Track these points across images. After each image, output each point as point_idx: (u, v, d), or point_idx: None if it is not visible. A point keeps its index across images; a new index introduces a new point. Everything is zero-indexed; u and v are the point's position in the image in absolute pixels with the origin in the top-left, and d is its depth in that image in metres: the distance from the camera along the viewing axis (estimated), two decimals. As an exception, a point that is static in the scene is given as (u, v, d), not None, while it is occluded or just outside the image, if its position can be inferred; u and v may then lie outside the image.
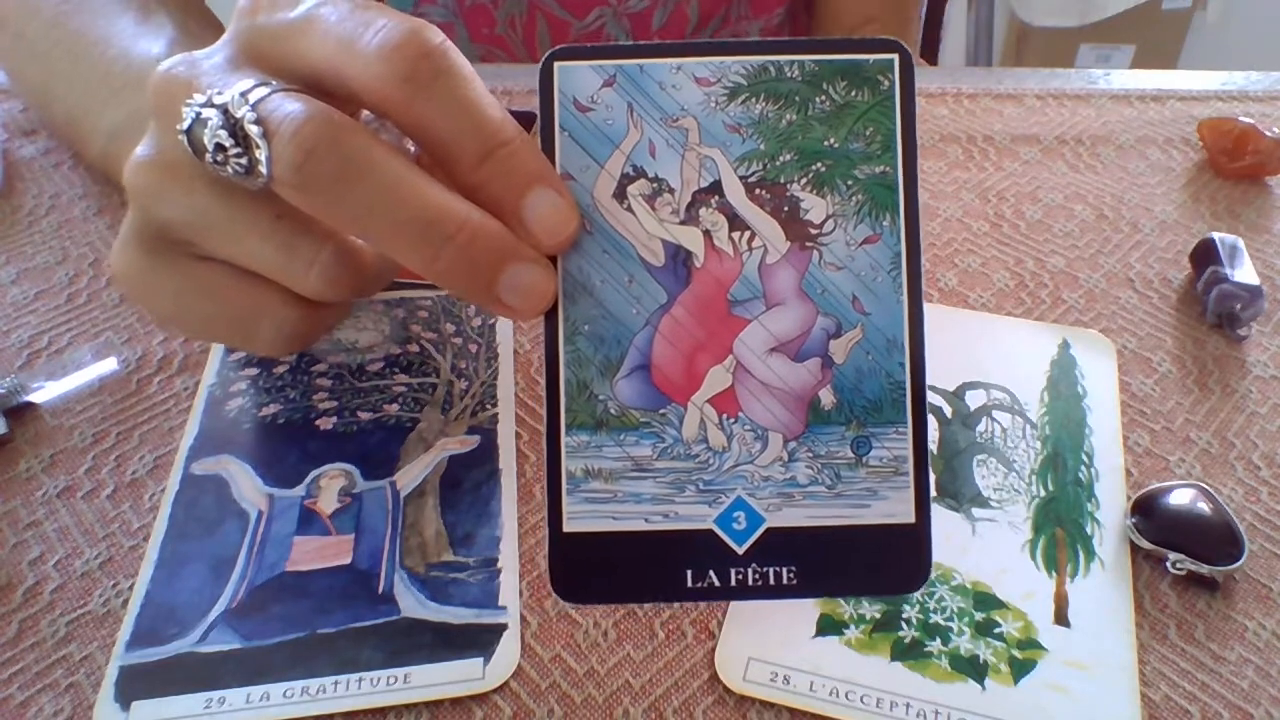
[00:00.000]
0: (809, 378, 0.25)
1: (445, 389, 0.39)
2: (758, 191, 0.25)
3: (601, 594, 0.26)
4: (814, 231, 0.25)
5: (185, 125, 0.27)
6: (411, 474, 0.36)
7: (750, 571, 0.25)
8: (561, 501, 0.25)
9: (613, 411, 0.25)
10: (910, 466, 0.25)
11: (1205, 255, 0.44)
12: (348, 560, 0.33)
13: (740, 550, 0.25)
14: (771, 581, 0.25)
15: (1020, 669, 0.31)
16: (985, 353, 0.41)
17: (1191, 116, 0.56)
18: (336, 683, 0.30)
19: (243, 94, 0.26)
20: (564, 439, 0.25)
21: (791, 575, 0.25)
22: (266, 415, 0.38)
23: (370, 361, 0.40)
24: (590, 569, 0.25)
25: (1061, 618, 0.32)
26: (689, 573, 0.25)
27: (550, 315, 0.25)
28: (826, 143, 0.25)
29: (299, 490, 0.35)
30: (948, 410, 0.39)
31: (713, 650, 0.31)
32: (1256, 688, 0.31)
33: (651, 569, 0.25)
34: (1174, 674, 0.31)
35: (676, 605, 0.32)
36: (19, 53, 0.51)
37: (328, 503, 0.35)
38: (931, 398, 0.39)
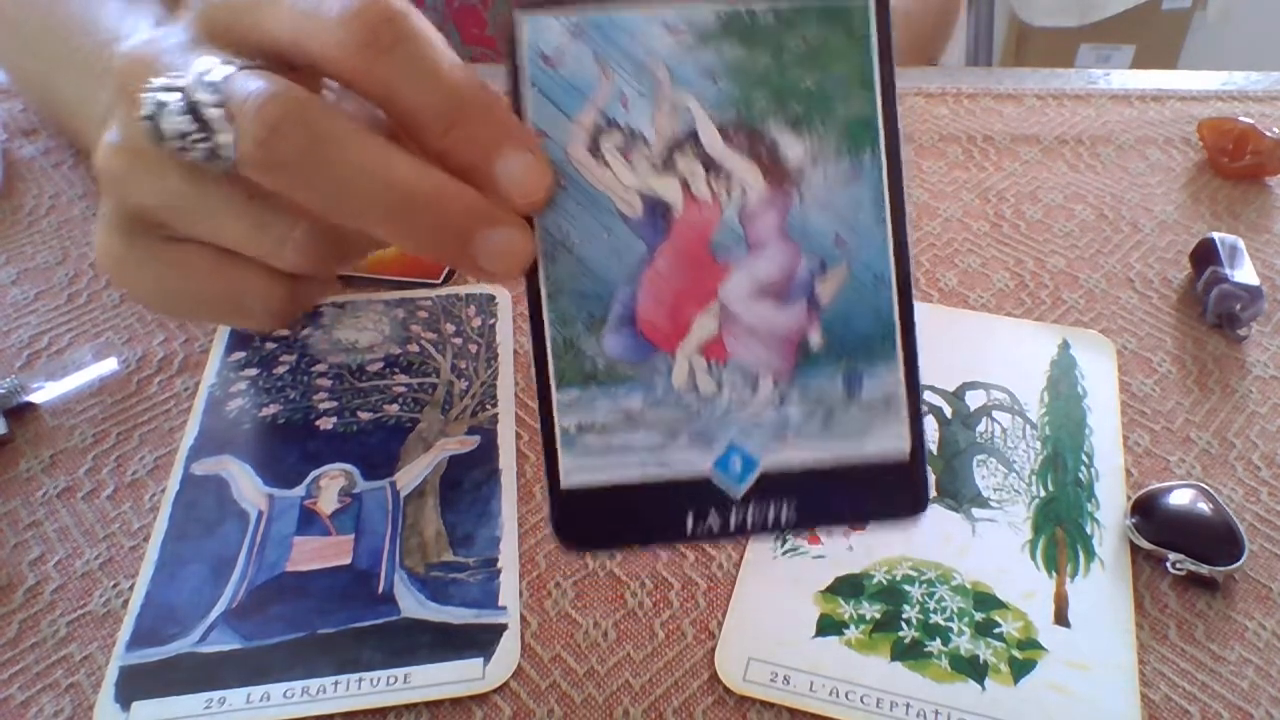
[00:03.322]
0: (796, 320, 0.25)
1: (445, 389, 0.39)
2: (734, 136, 0.25)
3: (604, 541, 0.26)
4: (793, 173, 0.25)
5: (147, 111, 0.26)
6: (411, 474, 0.36)
7: (750, 512, 0.25)
8: (558, 458, 0.25)
9: (601, 366, 0.25)
10: (903, 400, 0.25)
11: (1205, 255, 0.44)
12: (348, 560, 0.33)
13: (739, 494, 0.25)
14: (771, 520, 0.25)
15: (1020, 669, 0.30)
16: (985, 353, 0.41)
17: (1191, 116, 0.56)
18: (336, 683, 0.30)
19: (201, 75, 0.25)
20: (555, 396, 0.25)
21: (791, 512, 0.25)
22: (266, 415, 0.38)
23: (370, 361, 0.40)
24: (591, 520, 0.25)
25: (1061, 618, 0.32)
26: (689, 516, 0.25)
27: (531, 275, 0.25)
28: (803, 84, 0.25)
29: (299, 490, 0.35)
30: (948, 410, 0.39)
31: (713, 650, 0.31)
32: (1256, 688, 0.31)
33: (653, 517, 0.25)
34: (1174, 674, 0.31)
35: (676, 605, 0.32)
36: (14, 45, 0.51)
37: (328, 503, 0.35)
38: (931, 398, 0.39)
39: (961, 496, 0.35)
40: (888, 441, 0.25)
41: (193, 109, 0.25)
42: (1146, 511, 0.34)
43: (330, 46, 0.25)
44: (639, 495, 0.25)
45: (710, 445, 0.25)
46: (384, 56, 0.25)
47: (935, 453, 0.37)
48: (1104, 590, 0.33)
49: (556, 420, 0.25)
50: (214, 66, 0.25)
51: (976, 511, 0.35)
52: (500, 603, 0.32)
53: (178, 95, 0.25)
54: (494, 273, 0.25)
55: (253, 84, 0.25)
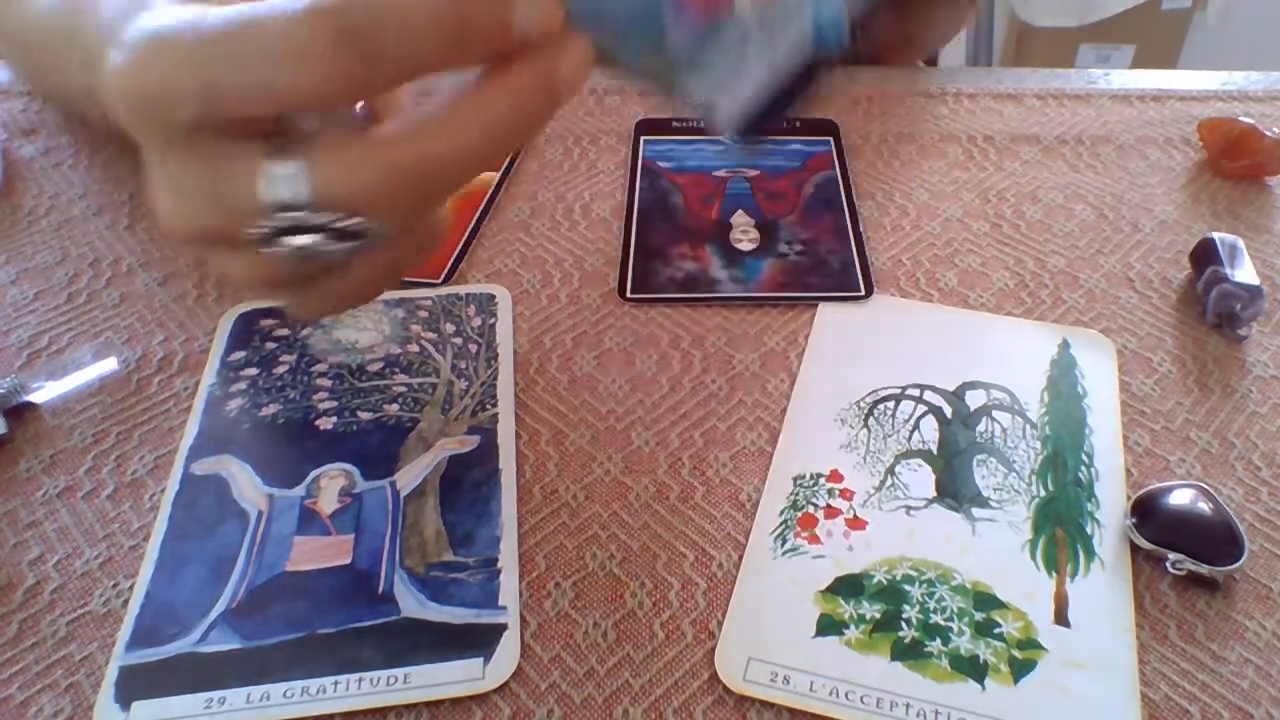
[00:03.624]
0: None
1: (445, 389, 0.39)
2: None
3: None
4: None
5: (271, 253, 0.26)
6: (411, 474, 0.36)
7: None
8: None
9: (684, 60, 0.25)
10: None
11: (1205, 255, 0.44)
12: (348, 560, 0.33)
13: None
14: None
15: (1020, 669, 0.30)
16: (985, 353, 0.41)
17: (1191, 116, 0.56)
18: (336, 683, 0.30)
19: (306, 207, 0.25)
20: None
21: None
22: (266, 415, 0.38)
23: (370, 361, 0.40)
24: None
25: (1061, 618, 0.32)
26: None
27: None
28: None
29: (299, 490, 0.35)
30: (948, 410, 0.39)
31: (712, 650, 0.31)
32: (1256, 688, 0.31)
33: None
34: (1174, 674, 0.31)
35: (676, 605, 0.32)
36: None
37: (328, 503, 0.35)
38: (931, 397, 0.39)
39: (961, 496, 0.35)
40: None
41: (301, 224, 0.25)
42: (1146, 511, 0.34)
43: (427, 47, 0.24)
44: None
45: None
46: (468, 52, 0.24)
47: (935, 452, 0.37)
48: (1104, 590, 0.33)
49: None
50: (295, 183, 0.24)
51: (976, 511, 0.35)
52: (500, 603, 0.32)
53: (293, 233, 0.25)
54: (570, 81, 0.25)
55: (350, 188, 0.24)
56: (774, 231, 0.47)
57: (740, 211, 0.48)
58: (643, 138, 0.54)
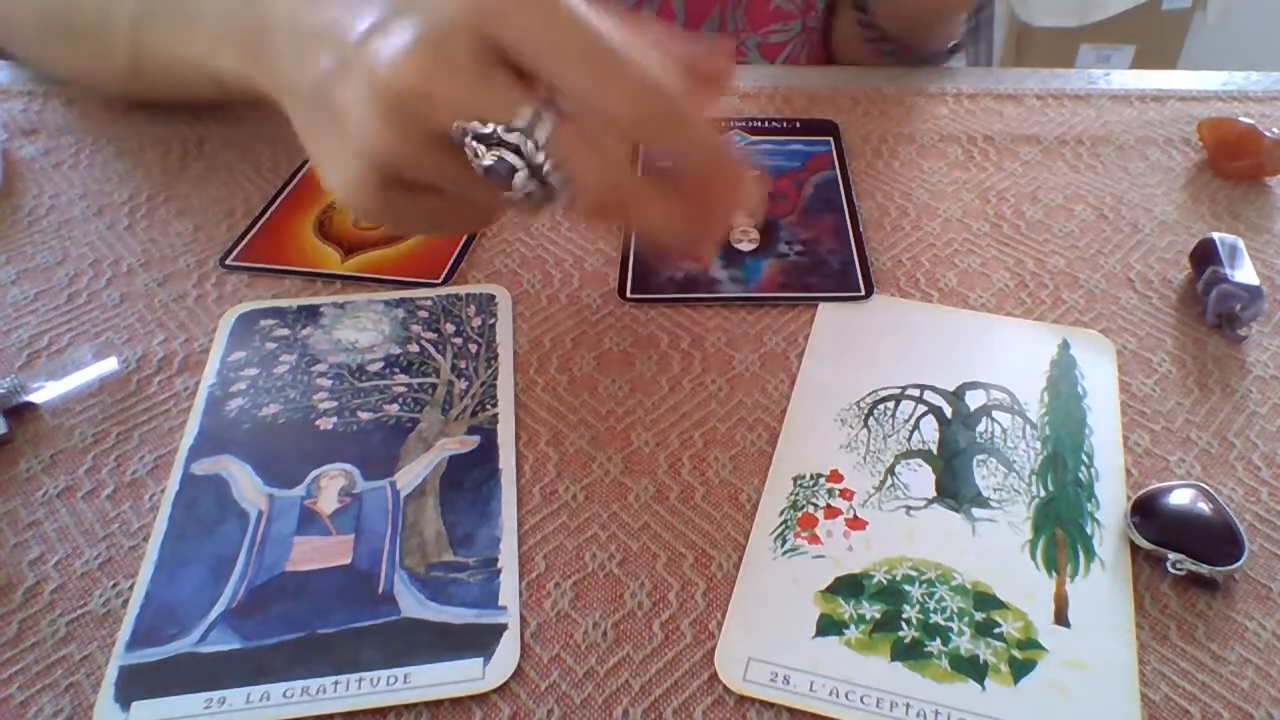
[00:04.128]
0: None
1: (445, 389, 0.39)
2: None
3: None
4: None
5: (482, 166, 0.32)
6: (411, 474, 0.36)
7: None
8: None
9: None
10: None
11: (1205, 255, 0.44)
12: (348, 560, 0.33)
13: None
14: None
15: (1020, 669, 0.30)
16: (985, 353, 0.41)
17: (1191, 116, 0.56)
18: (336, 683, 0.30)
19: (532, 139, 0.32)
20: None
21: None
22: (266, 415, 0.38)
23: (370, 361, 0.40)
24: None
25: (1061, 618, 0.32)
26: None
27: None
28: None
29: (299, 490, 0.35)
30: (948, 410, 0.39)
31: (712, 650, 0.31)
32: (1256, 688, 0.31)
33: None
34: (1174, 674, 0.31)
35: (675, 605, 0.32)
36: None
37: (328, 503, 0.35)
38: (931, 398, 0.39)
39: (961, 496, 0.35)
40: None
41: (535, 174, 0.33)
42: (1146, 511, 0.34)
43: (626, 120, 0.32)
44: None
45: None
46: (665, 129, 0.33)
47: (935, 452, 0.37)
48: (1104, 590, 0.33)
49: None
50: (532, 119, 0.32)
51: (976, 511, 0.35)
52: (500, 603, 0.32)
53: (515, 160, 0.32)
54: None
55: (587, 159, 0.32)
56: (774, 232, 0.47)
57: (739, 212, 0.48)
58: None
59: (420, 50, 0.32)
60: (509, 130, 0.32)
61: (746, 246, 0.46)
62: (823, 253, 0.46)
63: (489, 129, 0.32)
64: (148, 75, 0.50)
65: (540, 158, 0.32)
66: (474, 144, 0.32)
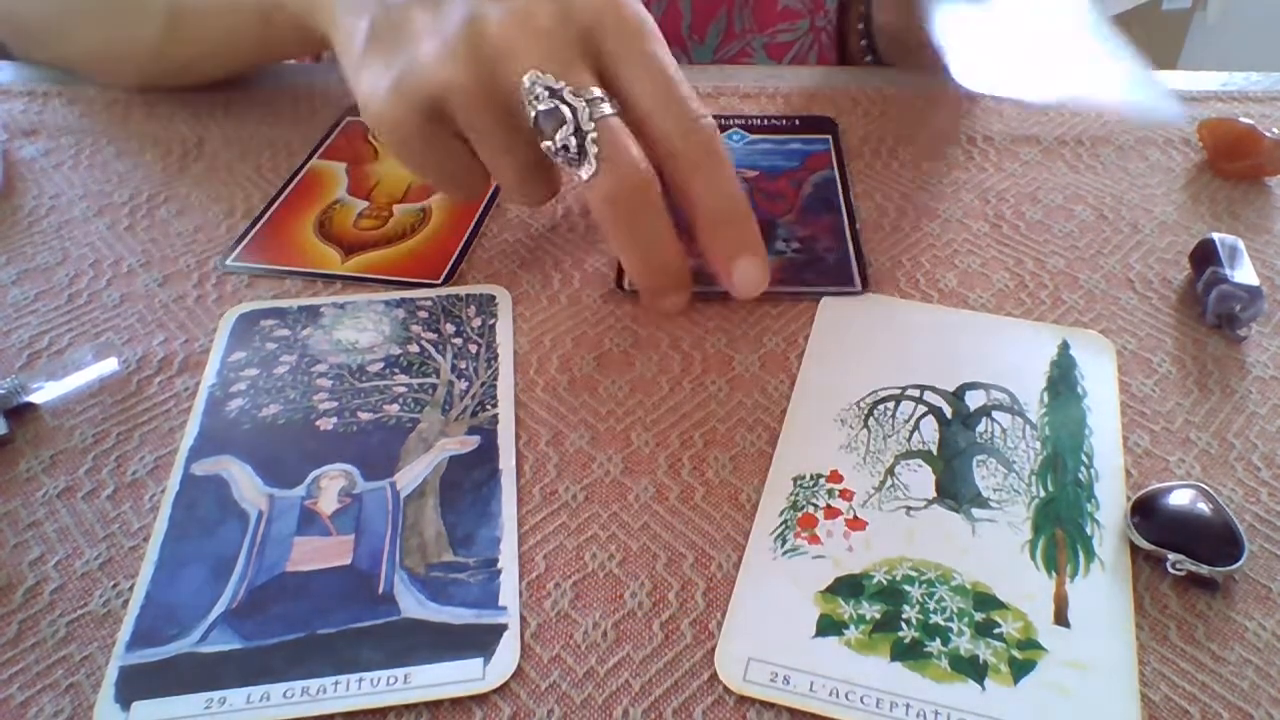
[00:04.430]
0: None
1: (445, 389, 0.39)
2: None
3: None
4: None
5: (537, 110, 0.35)
6: (411, 474, 0.36)
7: None
8: None
9: None
10: None
11: (1205, 255, 0.44)
12: (348, 561, 0.33)
13: None
14: None
15: (1020, 669, 0.31)
16: (985, 353, 0.41)
17: (1191, 117, 0.56)
18: (336, 683, 0.30)
19: (589, 109, 0.35)
20: None
21: None
22: (266, 415, 0.38)
23: (370, 362, 0.41)
24: None
25: (1061, 618, 0.32)
26: None
27: None
28: None
29: (299, 490, 0.35)
30: (947, 411, 0.39)
31: (712, 650, 0.31)
32: (1256, 688, 0.31)
33: None
34: (1174, 674, 0.31)
35: (675, 605, 0.32)
36: None
37: (328, 503, 0.35)
38: (931, 398, 0.39)
39: (961, 497, 0.35)
40: None
41: (578, 135, 0.35)
42: (1146, 512, 0.34)
43: (675, 137, 0.36)
44: None
45: None
46: (699, 170, 0.37)
47: (935, 453, 0.37)
48: (1104, 591, 0.33)
49: None
50: (599, 100, 0.36)
51: (976, 512, 0.35)
52: (500, 603, 0.32)
53: (569, 111, 0.35)
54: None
55: (626, 148, 0.36)
56: (772, 230, 0.47)
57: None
58: None
59: (535, 20, 0.36)
60: (575, 94, 0.35)
61: None
62: (819, 250, 0.46)
63: (559, 85, 0.36)
64: (186, 29, 0.51)
65: (590, 125, 0.35)
66: (539, 90, 0.35)
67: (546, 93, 0.35)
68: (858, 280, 0.44)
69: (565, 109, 0.35)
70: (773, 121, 0.55)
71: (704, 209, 0.38)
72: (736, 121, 0.55)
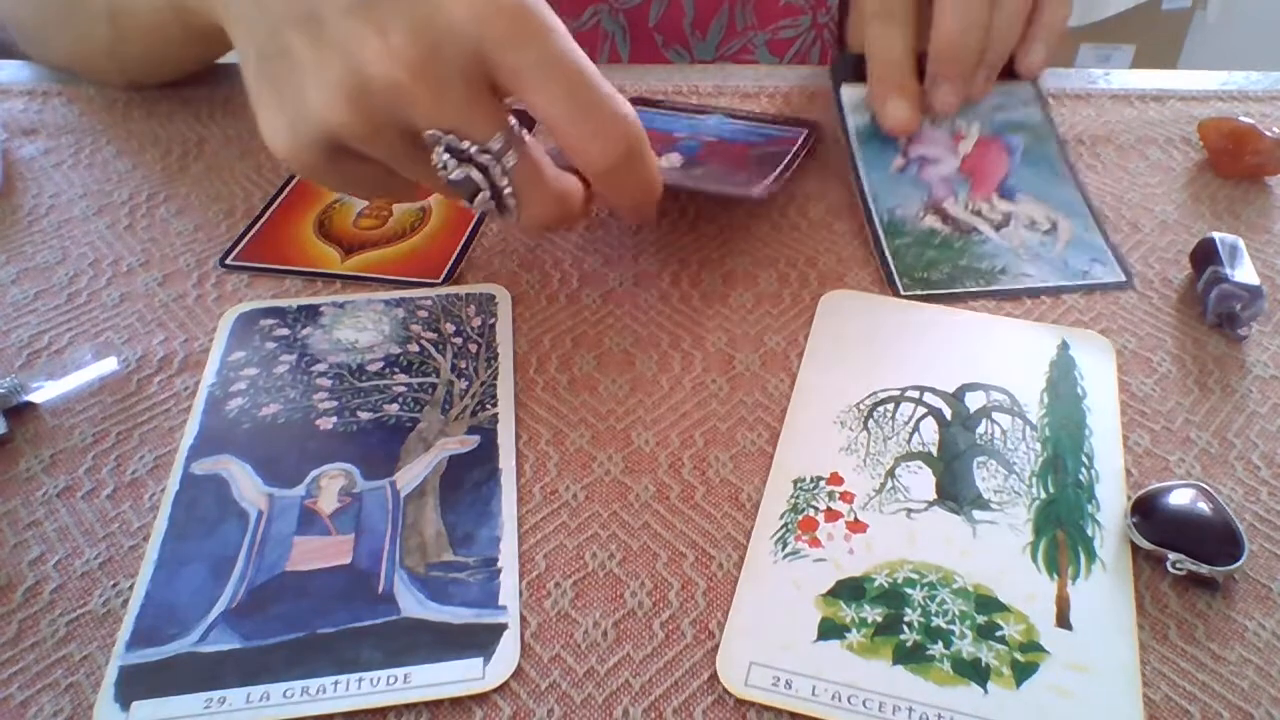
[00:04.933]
0: None
1: (445, 389, 0.39)
2: None
3: None
4: None
5: (454, 177, 0.35)
6: (411, 474, 0.36)
7: None
8: None
9: None
10: None
11: (1205, 255, 0.44)
12: (348, 560, 0.33)
13: None
14: None
15: (1022, 672, 0.30)
16: (984, 354, 0.41)
17: (1191, 116, 0.56)
18: (336, 683, 0.30)
19: (499, 163, 0.35)
20: None
21: None
22: (266, 415, 0.38)
23: (370, 361, 0.40)
24: None
25: (1063, 620, 0.32)
26: None
27: None
28: None
29: (299, 490, 0.35)
30: (947, 412, 0.39)
31: (712, 650, 0.31)
32: (1256, 688, 0.31)
33: None
34: (1174, 674, 0.31)
35: (676, 605, 0.32)
36: None
37: (328, 503, 0.35)
38: (931, 399, 0.39)
39: (962, 499, 0.35)
40: None
41: (495, 192, 0.35)
42: (1146, 511, 0.34)
43: (585, 157, 0.36)
44: None
45: None
46: (618, 172, 0.36)
47: (935, 455, 0.37)
48: (1105, 592, 0.33)
49: None
50: (503, 147, 0.35)
51: (977, 514, 0.35)
52: (500, 602, 0.32)
53: (480, 179, 0.35)
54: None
55: (542, 189, 0.36)
56: (694, 166, 0.48)
57: (675, 153, 0.49)
58: None
59: (414, 54, 0.33)
60: (481, 151, 0.34)
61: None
62: (735, 176, 0.47)
63: (464, 146, 0.34)
64: (124, 28, 0.51)
65: (504, 182, 0.35)
66: (444, 154, 0.34)
67: (454, 160, 0.34)
68: (761, 191, 0.44)
69: (475, 173, 0.35)
70: (754, 117, 0.55)
71: (618, 201, 0.40)
72: (723, 110, 0.55)
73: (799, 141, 0.50)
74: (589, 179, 0.38)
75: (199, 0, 0.41)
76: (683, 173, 0.46)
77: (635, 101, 0.54)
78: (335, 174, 0.37)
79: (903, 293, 0.44)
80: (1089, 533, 0.34)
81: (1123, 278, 0.45)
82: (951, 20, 0.46)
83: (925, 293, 0.44)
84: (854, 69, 0.51)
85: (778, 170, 0.47)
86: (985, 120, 0.52)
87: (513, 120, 0.35)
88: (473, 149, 0.34)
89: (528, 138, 0.36)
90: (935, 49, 0.47)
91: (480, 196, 0.35)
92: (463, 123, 0.34)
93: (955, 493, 0.36)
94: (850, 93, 0.52)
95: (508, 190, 0.35)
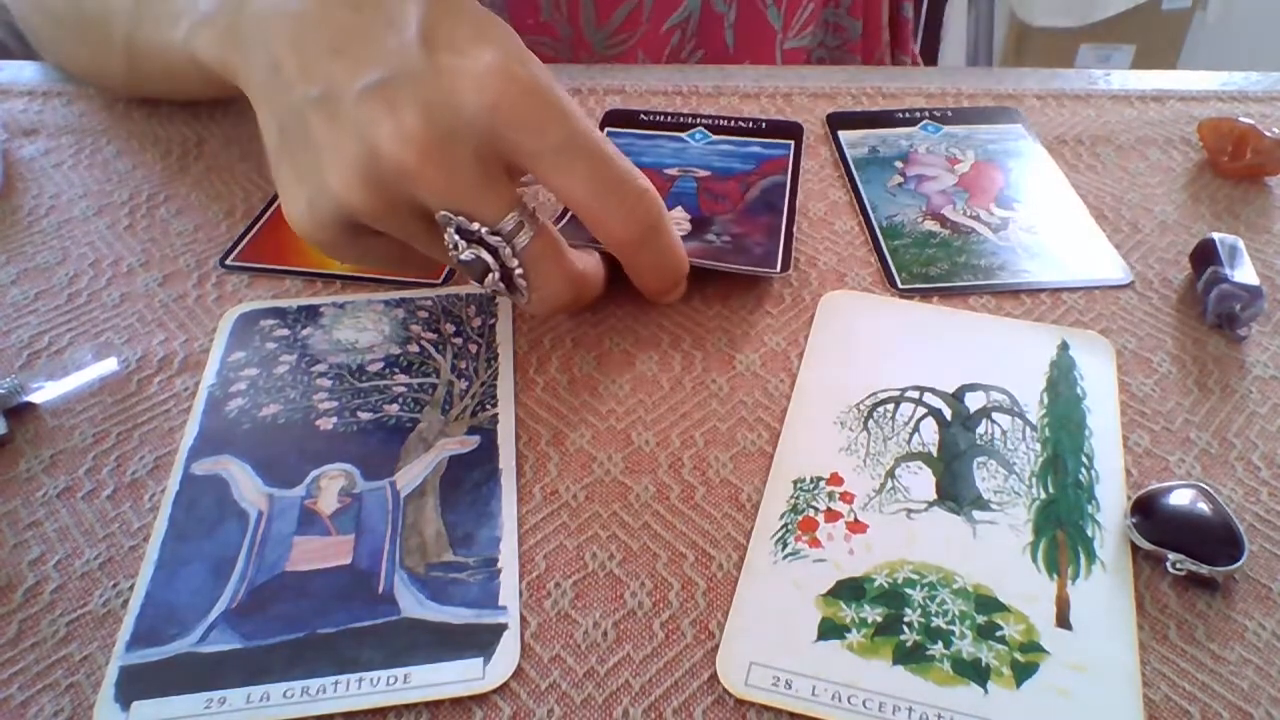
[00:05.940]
0: None
1: (445, 389, 0.39)
2: None
3: None
4: None
5: (459, 259, 0.35)
6: (411, 474, 0.36)
7: None
8: None
9: None
10: None
11: (1205, 255, 0.44)
12: (348, 560, 0.33)
13: None
14: None
15: (1023, 672, 0.30)
16: (984, 354, 0.41)
17: (1191, 116, 0.56)
18: (336, 683, 0.30)
19: (510, 245, 0.34)
20: None
21: None
22: (266, 415, 0.38)
23: (370, 361, 0.40)
24: None
25: (1063, 620, 0.32)
26: None
27: None
28: None
29: (299, 490, 0.35)
30: (947, 412, 0.39)
31: (712, 650, 0.31)
32: (1256, 688, 0.31)
33: None
34: (1174, 674, 0.31)
35: (676, 605, 0.32)
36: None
37: (328, 503, 0.35)
38: (931, 399, 0.39)
39: (962, 499, 0.35)
40: None
41: (505, 274, 0.35)
42: (1146, 511, 0.34)
43: (611, 236, 0.37)
44: None
45: None
46: (643, 247, 0.38)
47: (935, 455, 0.37)
48: (1105, 592, 0.33)
49: None
50: (515, 227, 0.34)
51: (977, 514, 0.35)
52: (500, 602, 0.32)
53: (491, 260, 0.35)
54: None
55: (553, 274, 0.36)
56: (707, 225, 0.47)
57: (679, 208, 0.49)
58: (607, 129, 0.54)
59: (426, 136, 0.33)
60: (492, 233, 0.34)
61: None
62: (749, 243, 0.46)
63: (474, 227, 0.34)
64: (142, 69, 0.50)
65: (515, 263, 0.35)
66: (455, 235, 0.34)
67: (464, 241, 0.34)
68: (779, 264, 0.44)
69: (486, 254, 0.34)
70: (738, 123, 0.55)
71: (648, 283, 0.41)
72: (702, 120, 0.55)
73: (788, 180, 0.51)
74: (617, 255, 0.39)
75: (220, 64, 0.40)
76: (702, 246, 0.45)
77: (612, 119, 0.54)
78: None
79: (901, 287, 0.44)
80: (1089, 533, 0.34)
81: (1123, 278, 0.45)
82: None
83: (924, 287, 0.44)
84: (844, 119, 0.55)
85: (784, 224, 0.47)
86: (979, 149, 0.53)
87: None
88: (482, 230, 0.34)
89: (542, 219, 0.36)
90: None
91: (490, 278, 0.35)
92: (473, 205, 0.34)
93: (955, 493, 0.36)
94: (847, 135, 0.54)
95: (518, 272, 0.35)
